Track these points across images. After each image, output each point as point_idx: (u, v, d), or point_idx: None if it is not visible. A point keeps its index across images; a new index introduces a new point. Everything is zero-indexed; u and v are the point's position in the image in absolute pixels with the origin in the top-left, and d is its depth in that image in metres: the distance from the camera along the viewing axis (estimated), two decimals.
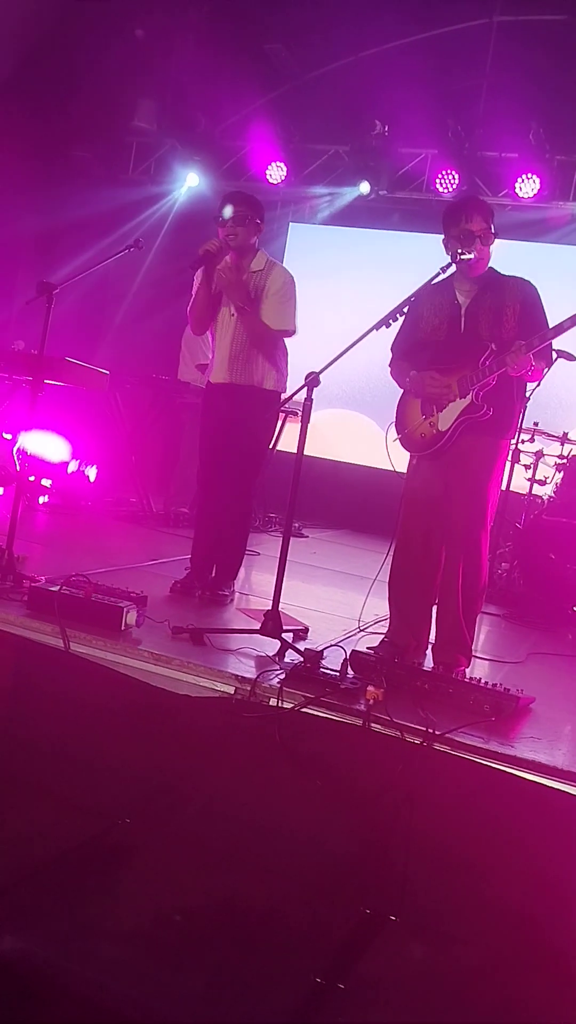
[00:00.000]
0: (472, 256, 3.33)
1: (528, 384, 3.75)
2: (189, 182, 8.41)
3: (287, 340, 4.16)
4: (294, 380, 3.71)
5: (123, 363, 7.33)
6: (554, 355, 5.16)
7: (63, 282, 3.82)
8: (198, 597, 4.08)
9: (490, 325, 3.38)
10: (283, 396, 4.09)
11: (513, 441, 5.92)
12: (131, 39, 7.85)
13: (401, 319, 3.42)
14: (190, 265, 3.99)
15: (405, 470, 3.63)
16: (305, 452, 3.44)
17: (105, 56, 7.76)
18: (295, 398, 3.57)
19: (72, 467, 6.33)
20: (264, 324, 3.99)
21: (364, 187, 7.92)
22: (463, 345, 3.41)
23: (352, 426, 8.35)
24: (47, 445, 6.24)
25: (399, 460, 3.60)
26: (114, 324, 8.87)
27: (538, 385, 4.54)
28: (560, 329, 3.24)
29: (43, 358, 3.89)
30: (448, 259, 3.37)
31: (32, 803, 2.58)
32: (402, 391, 3.64)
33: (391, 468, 3.60)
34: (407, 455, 3.63)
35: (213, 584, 4.13)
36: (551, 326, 3.28)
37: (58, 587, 3.31)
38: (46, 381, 4.46)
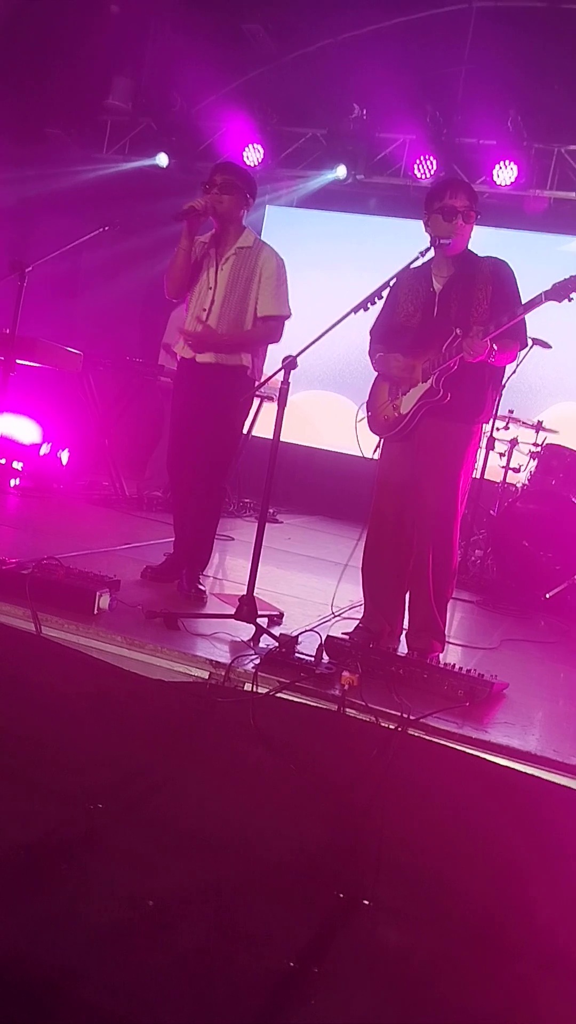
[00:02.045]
0: (451, 238, 3.32)
1: (505, 370, 3.74)
2: (159, 162, 8.30)
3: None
4: (271, 364, 3.68)
5: (98, 345, 7.24)
6: (529, 342, 5.20)
7: (36, 261, 3.75)
8: (176, 588, 3.94)
9: (460, 308, 3.37)
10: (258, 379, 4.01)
11: (487, 428, 5.95)
12: (106, 15, 7.72)
13: (380, 302, 3.40)
14: (173, 217, 3.87)
15: (372, 454, 3.62)
16: (281, 438, 3.41)
17: (80, 32, 7.63)
18: (271, 382, 3.53)
19: (44, 450, 6.26)
20: (260, 320, 3.90)
21: (341, 171, 7.88)
22: (433, 331, 3.40)
23: (332, 407, 8.37)
24: (19, 427, 6.16)
25: (368, 443, 3.59)
26: (89, 305, 8.76)
27: (514, 372, 4.57)
28: (515, 315, 3.21)
29: (15, 337, 3.82)
30: (427, 242, 3.35)
31: (1, 789, 2.55)
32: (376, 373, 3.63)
33: (358, 450, 3.59)
34: (375, 439, 3.62)
35: (188, 580, 3.93)
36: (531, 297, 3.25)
37: (29, 570, 3.27)
38: (18, 361, 4.39)
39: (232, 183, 3.88)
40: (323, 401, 8.39)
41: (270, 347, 4.11)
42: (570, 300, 3.18)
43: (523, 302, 3.27)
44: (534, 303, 3.21)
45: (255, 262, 3.93)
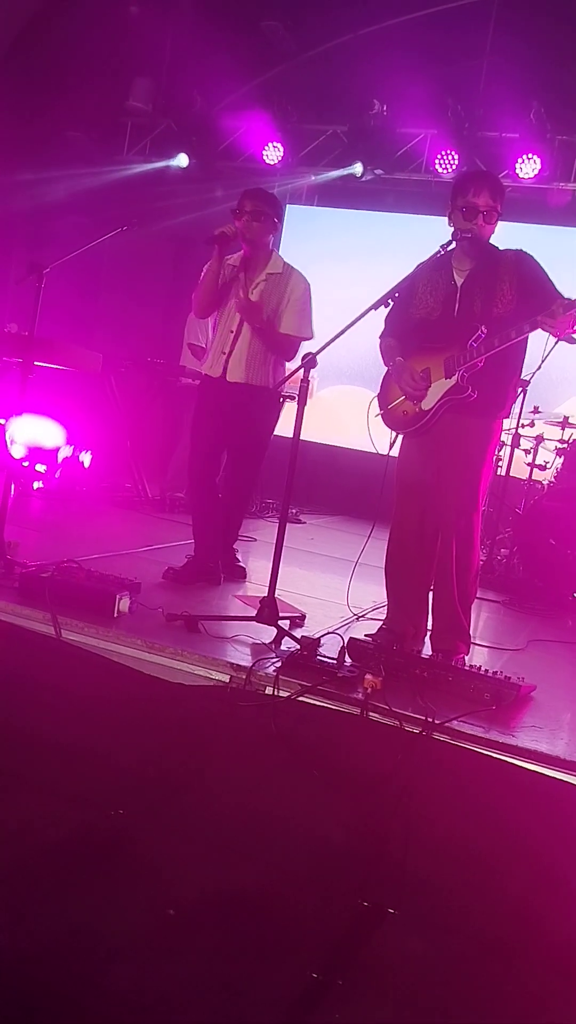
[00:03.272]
0: (472, 233, 3.26)
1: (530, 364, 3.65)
2: (179, 162, 8.28)
3: None
4: (291, 362, 3.66)
5: (119, 346, 7.24)
6: (554, 339, 5.11)
7: (54, 262, 3.73)
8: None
9: (483, 304, 3.30)
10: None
11: (511, 424, 5.86)
12: (126, 16, 7.72)
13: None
14: (204, 241, 4.03)
15: (385, 450, 3.55)
16: (304, 437, 3.38)
17: (99, 34, 7.63)
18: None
19: (66, 452, 6.26)
20: (279, 335, 4.05)
21: (357, 168, 7.82)
22: (455, 325, 3.34)
23: (359, 402, 8.31)
24: (42, 430, 6.17)
25: (381, 439, 3.54)
26: (110, 307, 8.77)
27: (539, 368, 4.48)
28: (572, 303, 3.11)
29: (33, 339, 3.81)
30: (449, 236, 3.30)
31: (22, 794, 2.53)
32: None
33: (372, 445, 3.54)
34: (388, 434, 3.57)
35: (228, 560, 4.34)
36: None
37: (49, 573, 3.25)
38: (37, 363, 4.38)
39: (261, 210, 4.02)
40: (350, 396, 8.34)
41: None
42: None
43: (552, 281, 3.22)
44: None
45: (285, 287, 4.07)
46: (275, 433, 6.36)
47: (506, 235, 3.62)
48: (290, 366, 4.02)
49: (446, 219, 3.40)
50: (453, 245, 3.29)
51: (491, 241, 3.42)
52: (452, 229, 3.33)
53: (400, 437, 3.53)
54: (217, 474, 4.35)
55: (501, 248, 3.42)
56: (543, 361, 4.15)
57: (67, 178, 8.02)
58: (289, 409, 5.98)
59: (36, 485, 6.01)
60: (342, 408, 8.40)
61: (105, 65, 7.89)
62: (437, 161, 7.56)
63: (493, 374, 3.29)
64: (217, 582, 4.15)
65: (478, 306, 3.31)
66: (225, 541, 4.41)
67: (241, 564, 4.50)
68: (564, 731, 2.92)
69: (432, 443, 3.40)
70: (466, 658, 3.40)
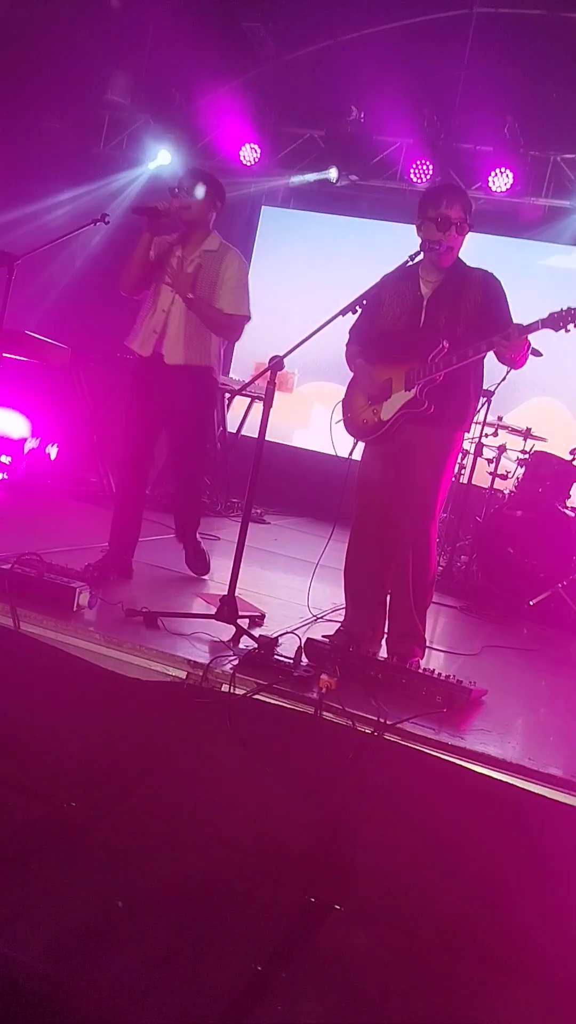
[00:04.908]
0: (443, 245, 3.31)
1: (500, 374, 3.74)
2: (160, 159, 8.28)
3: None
4: (258, 364, 3.66)
5: (89, 340, 7.20)
6: None
7: (25, 253, 3.73)
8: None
9: (448, 319, 3.36)
10: (236, 379, 4.07)
11: (475, 433, 5.96)
12: (107, 9, 7.69)
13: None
14: (132, 210, 3.86)
15: (345, 453, 3.61)
16: (274, 437, 3.41)
17: (80, 26, 7.59)
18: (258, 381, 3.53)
19: (32, 444, 6.23)
20: (217, 310, 3.92)
21: (332, 173, 7.87)
22: (419, 338, 3.38)
23: (334, 399, 8.35)
24: (7, 422, 6.13)
25: (342, 444, 3.58)
26: (81, 301, 8.72)
27: (504, 379, 4.57)
28: (512, 334, 3.20)
29: (1, 331, 3.80)
30: (417, 247, 3.34)
31: None
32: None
33: (332, 450, 3.58)
34: (351, 440, 3.63)
35: (191, 539, 4.34)
36: (529, 322, 3.23)
37: (10, 565, 3.25)
38: (4, 355, 4.37)
39: (198, 188, 3.87)
40: (329, 392, 8.37)
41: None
42: (567, 331, 3.16)
43: (514, 320, 3.28)
44: (530, 328, 3.18)
45: (219, 265, 3.94)
46: (242, 433, 6.41)
47: (477, 247, 3.69)
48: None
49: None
50: (421, 256, 3.35)
51: (462, 254, 3.48)
52: (421, 240, 3.37)
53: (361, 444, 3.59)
54: (152, 463, 4.20)
55: (468, 264, 3.48)
56: (508, 372, 4.23)
57: (41, 167, 7.96)
58: (257, 409, 6.00)
59: (0, 476, 5.98)
60: (316, 406, 8.42)
61: (85, 57, 7.85)
62: (412, 170, 7.64)
63: (452, 388, 3.35)
64: (129, 575, 4.04)
65: (443, 320, 3.36)
66: (187, 532, 4.37)
67: (205, 550, 4.45)
68: (514, 736, 2.98)
69: (392, 452, 3.46)
70: (421, 661, 3.45)
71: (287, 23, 7.83)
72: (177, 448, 4.19)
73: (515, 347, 3.17)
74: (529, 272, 7.63)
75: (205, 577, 4.42)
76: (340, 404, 3.62)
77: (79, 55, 7.81)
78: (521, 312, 3.34)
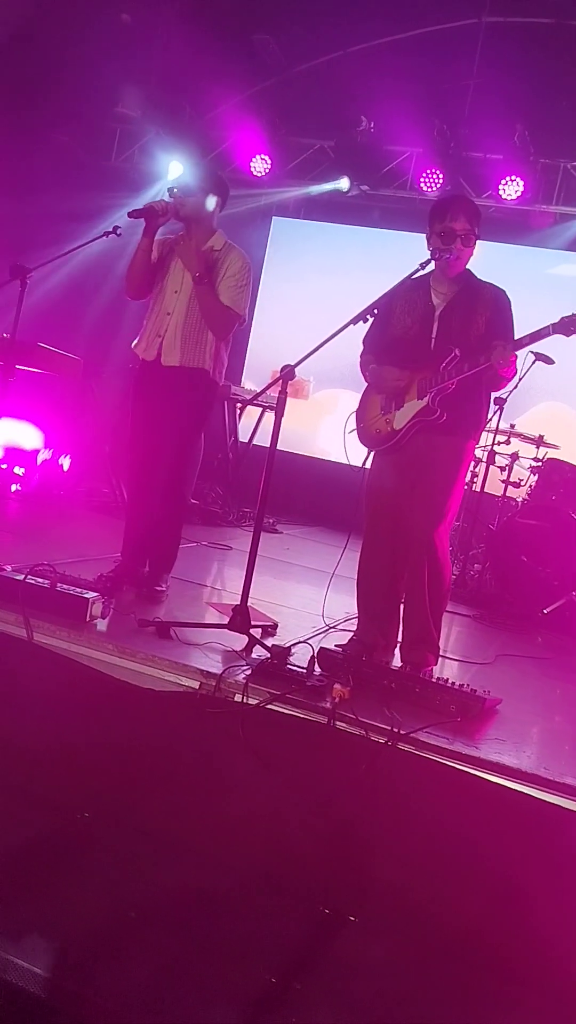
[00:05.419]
0: (450, 256, 3.32)
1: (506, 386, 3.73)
2: (172, 171, 8.33)
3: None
4: (274, 373, 3.65)
5: (101, 352, 7.25)
6: (532, 358, 5.20)
7: (37, 265, 3.75)
8: (133, 594, 3.83)
9: (460, 330, 3.38)
10: (250, 388, 4.01)
11: (487, 441, 5.95)
12: (118, 23, 7.76)
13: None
14: (129, 213, 3.82)
15: (359, 463, 3.59)
16: (287, 446, 3.40)
17: (90, 39, 7.65)
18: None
19: (45, 456, 6.26)
20: (218, 300, 3.84)
21: (344, 183, 7.90)
22: (432, 346, 3.40)
23: (348, 407, 8.35)
24: (20, 433, 6.17)
25: (355, 453, 3.55)
26: (93, 313, 8.77)
27: (515, 387, 4.56)
28: (520, 344, 3.24)
29: (15, 343, 3.82)
30: (428, 255, 3.36)
31: None
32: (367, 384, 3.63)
33: (346, 460, 3.56)
34: (364, 449, 3.61)
35: (149, 580, 3.91)
36: (528, 332, 3.26)
37: (23, 576, 3.26)
38: (17, 366, 4.40)
39: (197, 185, 3.85)
40: (345, 400, 8.39)
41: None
42: None
43: (520, 332, 3.29)
44: (541, 334, 3.21)
45: (223, 263, 3.88)
46: (254, 443, 6.40)
47: (488, 255, 3.68)
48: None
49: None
50: (432, 264, 3.35)
51: (472, 262, 3.48)
52: (430, 250, 3.38)
53: (372, 453, 3.59)
54: (159, 468, 3.96)
55: (480, 276, 3.48)
56: (519, 380, 4.23)
57: (53, 181, 8.01)
58: (269, 419, 6.01)
59: (14, 487, 6.01)
60: (329, 415, 8.41)
61: (95, 71, 7.90)
62: (422, 179, 7.67)
63: (464, 396, 3.36)
64: (141, 585, 3.88)
65: (456, 331, 3.37)
66: (157, 564, 3.96)
67: (161, 588, 3.91)
68: (528, 745, 2.96)
69: (404, 461, 3.45)
70: (434, 670, 3.43)
71: (297, 35, 7.88)
72: (164, 452, 3.96)
73: (503, 364, 3.19)
74: (539, 279, 7.61)
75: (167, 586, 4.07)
76: (354, 414, 3.62)
77: (90, 69, 7.86)
78: (532, 319, 3.34)
